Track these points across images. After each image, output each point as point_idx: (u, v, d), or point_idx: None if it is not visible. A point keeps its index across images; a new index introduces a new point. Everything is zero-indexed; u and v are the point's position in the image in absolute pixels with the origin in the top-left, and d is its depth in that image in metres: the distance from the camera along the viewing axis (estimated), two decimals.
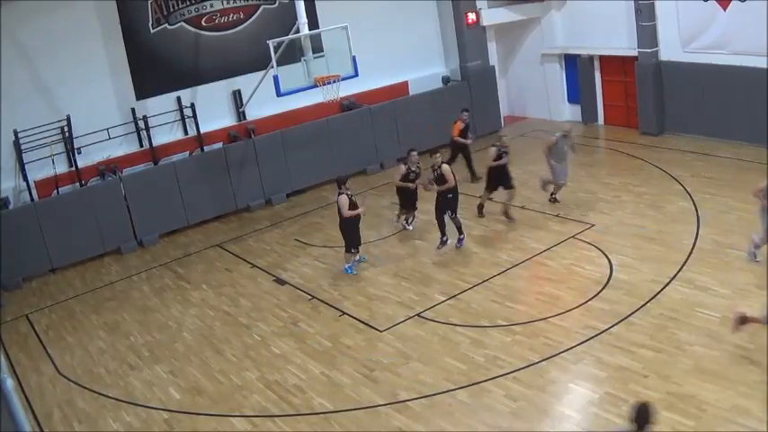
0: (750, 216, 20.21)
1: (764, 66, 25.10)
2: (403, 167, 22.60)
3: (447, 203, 21.26)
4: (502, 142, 23.16)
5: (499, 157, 22.74)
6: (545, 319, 16.86)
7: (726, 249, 18.92)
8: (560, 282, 18.75)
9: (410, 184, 22.43)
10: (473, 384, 14.90)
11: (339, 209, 20.40)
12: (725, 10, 26.11)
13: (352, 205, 20.45)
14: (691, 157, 26.20)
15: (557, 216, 22.77)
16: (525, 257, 20.14)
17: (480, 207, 23.73)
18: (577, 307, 17.25)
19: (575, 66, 32.48)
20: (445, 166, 21.19)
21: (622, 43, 29.83)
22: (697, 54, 27.58)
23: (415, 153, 22.67)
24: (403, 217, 23.63)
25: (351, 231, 20.68)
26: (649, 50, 28.80)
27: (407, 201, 23.07)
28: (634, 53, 29.45)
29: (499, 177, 22.91)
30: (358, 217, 20.68)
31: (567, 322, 16.67)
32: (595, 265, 19.26)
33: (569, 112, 33.33)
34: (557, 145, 23.19)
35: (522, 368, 15.21)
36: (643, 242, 20.24)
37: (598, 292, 17.62)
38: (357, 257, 21.16)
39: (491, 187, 23.22)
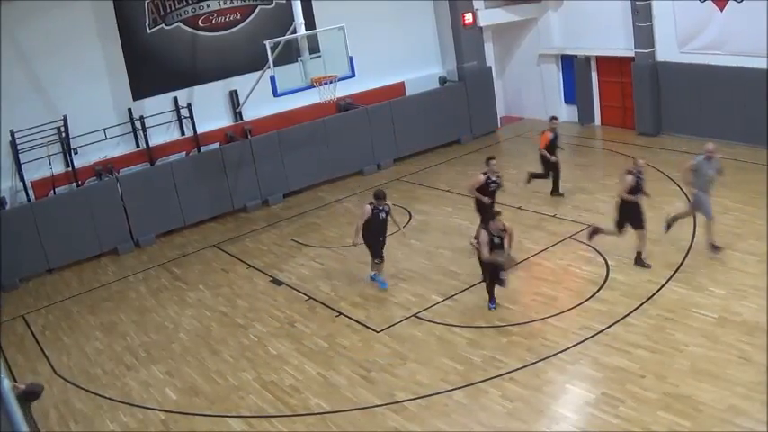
0: (747, 217, 20.34)
1: (762, 67, 25.13)
2: (481, 176, 20.74)
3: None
4: (638, 166, 18.97)
5: (636, 187, 18.69)
6: (542, 319, 16.88)
7: (725, 250, 18.92)
8: (557, 282, 18.78)
9: (485, 198, 20.62)
10: (470, 385, 14.90)
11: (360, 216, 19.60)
12: (722, 11, 26.14)
13: (374, 218, 19.18)
14: (687, 158, 26.02)
15: (553, 217, 22.77)
16: (522, 258, 20.12)
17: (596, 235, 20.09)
18: (574, 307, 17.27)
19: (571, 66, 32.50)
20: (507, 224, 17.64)
21: (619, 44, 29.86)
22: (694, 55, 27.61)
23: (494, 161, 20.98)
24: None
25: (371, 242, 19.54)
26: (646, 51, 28.83)
27: (483, 214, 19.89)
28: (631, 54, 29.49)
29: (630, 213, 18.86)
30: (379, 231, 19.46)
31: (563, 323, 16.68)
32: (592, 266, 19.27)
33: (566, 113, 33.31)
34: (699, 169, 19.00)
35: (519, 369, 15.22)
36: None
37: (595, 293, 17.63)
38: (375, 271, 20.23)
39: (620, 226, 19.06)
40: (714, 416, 12.90)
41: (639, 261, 18.90)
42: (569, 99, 33.39)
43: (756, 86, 25.50)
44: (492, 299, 17.74)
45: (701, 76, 27.43)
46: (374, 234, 19.41)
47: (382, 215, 19.16)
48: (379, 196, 19.23)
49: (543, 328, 16.57)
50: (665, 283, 17.79)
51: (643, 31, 28.70)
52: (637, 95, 29.79)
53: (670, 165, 25.60)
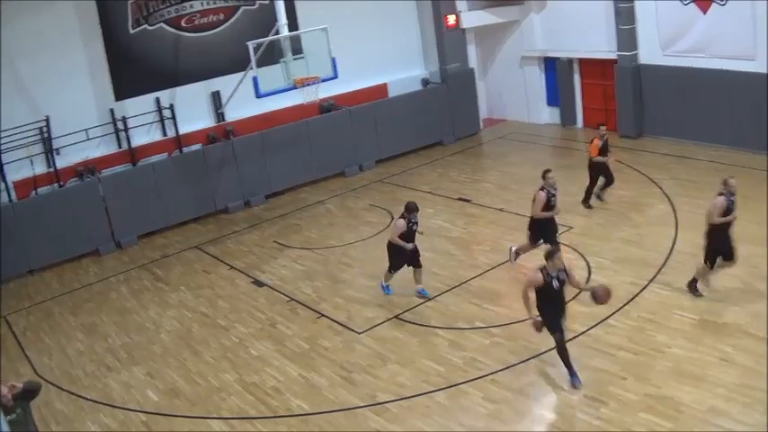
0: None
1: (745, 69, 25.28)
2: (542, 194, 18.87)
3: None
4: (729, 187, 16.61)
5: (728, 210, 16.60)
6: (523, 321, 16.82)
7: (701, 251, 18.96)
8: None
9: (549, 213, 18.97)
10: (451, 386, 14.91)
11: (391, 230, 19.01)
12: (705, 13, 26.21)
13: (408, 232, 18.47)
14: (669, 160, 26.28)
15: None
16: (503, 259, 20.14)
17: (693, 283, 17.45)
18: None
19: (554, 68, 32.56)
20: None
21: (602, 46, 29.92)
22: (677, 57, 27.69)
23: (551, 174, 19.20)
24: (517, 251, 20.17)
25: (395, 255, 18.81)
26: (629, 53, 28.89)
27: (544, 232, 19.27)
28: (613, 56, 29.54)
29: (723, 240, 16.81)
30: (409, 242, 18.57)
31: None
32: (574, 268, 19.27)
33: (548, 115, 33.41)
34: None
35: (501, 370, 15.24)
36: (621, 244, 20.30)
37: (576, 295, 17.63)
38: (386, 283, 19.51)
39: (711, 258, 16.97)
40: (695, 417, 12.94)
41: (694, 288, 17.23)
42: (552, 101, 33.45)
43: (740, 89, 25.66)
44: (573, 373, 14.47)
45: (684, 79, 27.52)
46: (398, 248, 18.68)
47: (415, 227, 18.66)
48: (412, 209, 18.48)
49: (525, 329, 16.52)
50: (647, 285, 17.87)
51: (626, 33, 28.77)
52: (619, 98, 29.86)
53: (652, 167, 25.70)
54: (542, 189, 18.89)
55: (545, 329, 14.35)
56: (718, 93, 26.43)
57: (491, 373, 15.15)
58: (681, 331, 15.74)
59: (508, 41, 34.03)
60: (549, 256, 14.10)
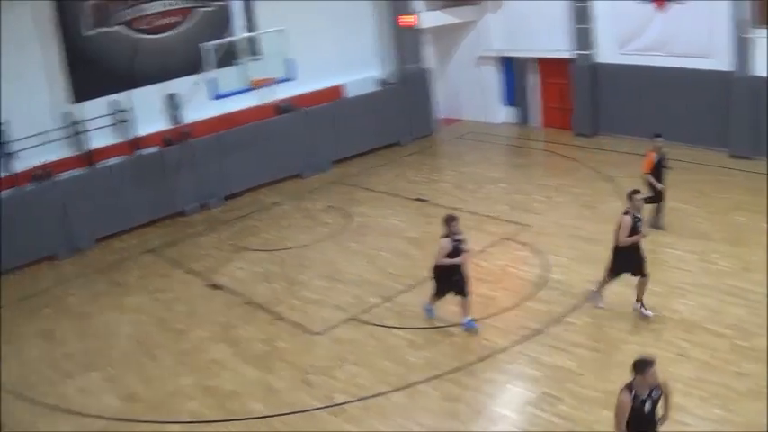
0: (682, 215, 20.57)
1: (700, 67, 25.75)
2: (628, 218, 15.98)
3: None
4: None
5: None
6: (480, 320, 16.93)
7: (660, 248, 19.14)
8: (495, 282, 18.89)
9: (634, 237, 16.08)
10: (409, 386, 14.95)
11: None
12: (662, 12, 26.44)
13: (455, 252, 16.31)
14: (625, 158, 26.47)
15: (491, 217, 22.86)
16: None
17: None
18: (513, 308, 17.39)
19: (511, 68, 32.69)
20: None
21: (559, 45, 30.07)
22: (634, 56, 27.94)
23: (638, 196, 16.32)
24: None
25: (442, 278, 16.79)
26: (585, 52, 29.08)
27: (628, 262, 16.44)
28: (570, 55, 29.72)
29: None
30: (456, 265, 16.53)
31: (502, 323, 16.81)
32: (530, 266, 19.42)
33: (505, 115, 33.53)
34: None
35: (458, 369, 15.29)
36: (578, 242, 20.44)
37: (533, 293, 17.74)
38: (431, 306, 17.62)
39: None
40: None
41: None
42: (509, 101, 33.56)
43: (696, 87, 26.08)
44: None
45: (641, 78, 27.85)
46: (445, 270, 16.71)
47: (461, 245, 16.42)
48: (450, 220, 16.43)
49: (482, 328, 16.63)
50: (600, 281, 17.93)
51: (582, 32, 28.97)
52: (575, 97, 30.04)
53: (608, 165, 25.93)
54: (627, 213, 16.07)
55: None
56: (674, 91, 26.71)
57: (449, 373, 15.19)
58: (639, 327, 15.93)
59: (465, 41, 34.11)
60: (641, 369, 10.18)
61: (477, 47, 33.56)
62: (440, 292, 16.99)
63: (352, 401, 14.68)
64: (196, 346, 17.82)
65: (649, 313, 16.20)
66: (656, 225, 20.41)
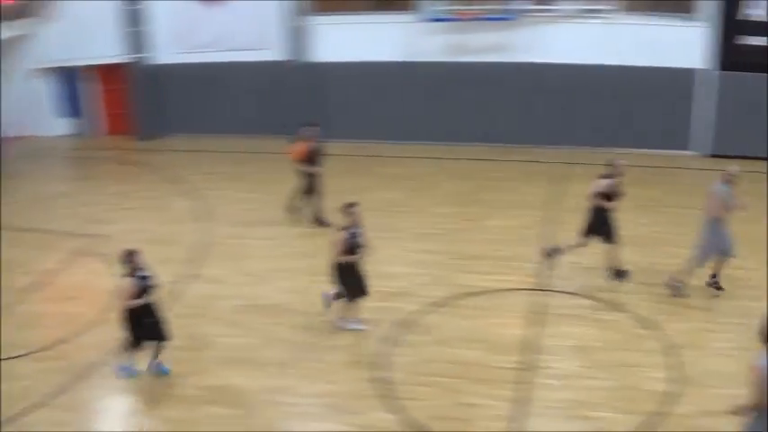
0: (257, 206, 21.19)
1: (259, 59, 27.26)
2: (341, 235, 14.95)
3: None
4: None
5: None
6: (68, 340, 16.11)
7: (239, 239, 19.55)
8: (77, 299, 18.03)
9: (352, 258, 15.07)
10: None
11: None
12: (212, 9, 26.98)
13: (141, 291, 14.02)
14: (195, 156, 26.69)
15: (66, 233, 21.77)
16: (34, 280, 18.98)
17: None
18: (102, 322, 16.67)
19: (71, 78, 31.74)
20: None
21: (115, 51, 29.48)
22: (193, 54, 28.25)
23: (355, 209, 15.09)
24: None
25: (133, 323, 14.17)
26: (141, 55, 28.85)
27: (347, 280, 15.40)
28: (126, 59, 29.32)
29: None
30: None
31: (92, 338, 16.11)
32: (111, 277, 18.69)
33: (67, 127, 32.50)
34: (726, 197, 15.72)
35: (59, 394, 14.33)
36: (154, 246, 19.57)
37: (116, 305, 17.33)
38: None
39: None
40: (257, 399, 13.45)
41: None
42: (71, 112, 32.56)
43: (257, 78, 27.63)
44: None
45: (204, 75, 28.43)
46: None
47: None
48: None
49: (73, 347, 15.89)
50: (185, 280, 18.20)
51: (136, 35, 28.71)
52: (136, 101, 29.80)
53: (175, 165, 26.11)
54: (344, 228, 15.08)
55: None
56: (235, 83, 27.82)
57: (51, 399, 14.20)
58: (225, 319, 16.29)
59: (19, 55, 32.70)
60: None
61: (34, 59, 32.21)
62: (136, 342, 14.30)
63: None
64: None
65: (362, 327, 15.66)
66: (321, 221, 20.44)
